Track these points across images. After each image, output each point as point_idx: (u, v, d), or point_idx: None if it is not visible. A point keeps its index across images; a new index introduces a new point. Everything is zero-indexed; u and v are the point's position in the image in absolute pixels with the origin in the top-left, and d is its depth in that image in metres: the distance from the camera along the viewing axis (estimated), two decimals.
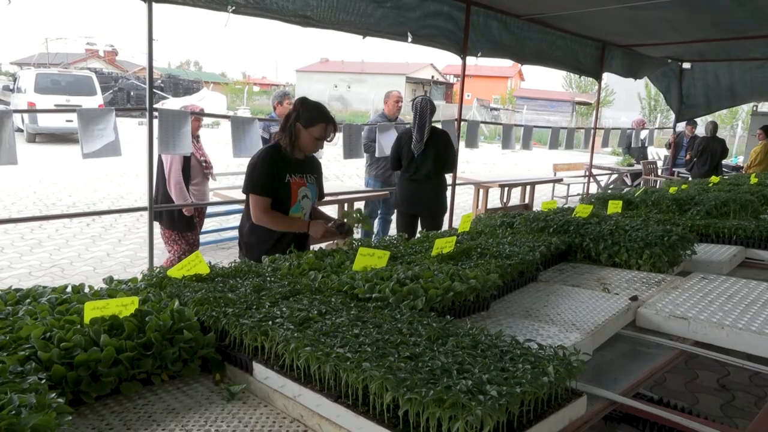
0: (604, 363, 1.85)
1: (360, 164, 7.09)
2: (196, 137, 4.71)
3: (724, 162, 10.62)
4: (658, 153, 13.94)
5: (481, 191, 7.52)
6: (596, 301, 2.15)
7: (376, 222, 6.55)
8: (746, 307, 2.12)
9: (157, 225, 4.62)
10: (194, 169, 4.69)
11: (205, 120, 13.25)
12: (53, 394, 1.21)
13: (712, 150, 9.44)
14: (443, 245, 2.45)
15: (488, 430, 1.09)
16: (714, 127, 9.67)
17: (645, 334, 2.07)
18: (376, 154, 5.63)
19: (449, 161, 4.89)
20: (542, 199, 7.70)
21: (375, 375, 1.21)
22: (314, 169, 3.20)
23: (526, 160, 19.37)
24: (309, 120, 2.97)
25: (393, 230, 6.10)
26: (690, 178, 8.56)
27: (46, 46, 36.96)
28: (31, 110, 15.55)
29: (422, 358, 1.35)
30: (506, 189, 7.75)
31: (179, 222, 4.63)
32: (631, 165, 10.85)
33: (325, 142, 3.10)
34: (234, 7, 3.88)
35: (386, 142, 5.39)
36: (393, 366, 1.27)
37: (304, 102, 3.04)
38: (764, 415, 1.68)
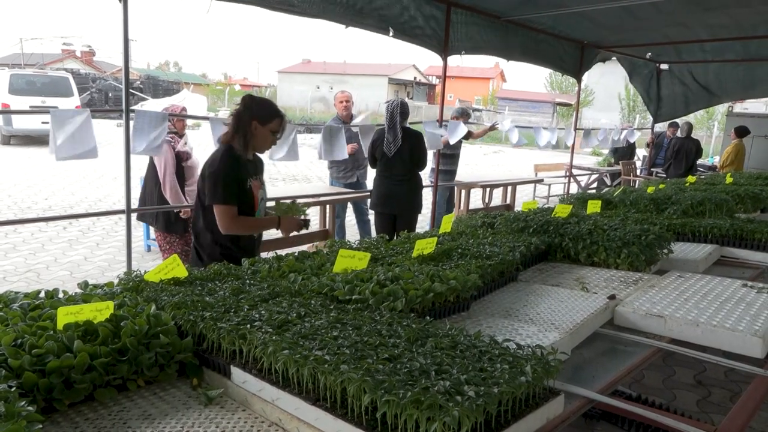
0: (582, 361, 1.87)
1: None
2: (182, 137, 4.66)
3: (699, 162, 10.82)
4: (637, 153, 14.15)
5: (463, 192, 7.54)
6: (575, 300, 2.17)
7: (355, 225, 6.55)
8: (721, 305, 2.16)
9: (152, 230, 4.57)
10: (189, 170, 4.65)
11: (188, 122, 13.10)
12: (23, 402, 1.18)
13: (687, 150, 9.62)
14: (424, 246, 2.46)
15: (465, 430, 1.09)
16: (689, 127, 9.85)
17: (623, 332, 2.09)
18: (323, 158, 5.55)
19: (421, 160, 4.96)
20: (524, 199, 7.77)
21: (353, 377, 1.21)
22: (262, 169, 3.13)
23: (508, 160, 19.52)
24: (266, 116, 2.88)
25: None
26: (667, 179, 8.71)
27: (20, 46, 36.24)
28: (6, 111, 15.21)
29: (401, 360, 1.34)
30: (488, 189, 7.80)
31: (176, 225, 4.57)
32: (610, 165, 11.01)
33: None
34: None
35: (334, 145, 5.34)
36: (371, 368, 1.27)
37: (254, 99, 2.95)
38: (738, 410, 1.71)
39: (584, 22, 6.39)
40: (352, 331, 1.53)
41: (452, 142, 6.60)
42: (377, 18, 5.06)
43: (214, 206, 2.84)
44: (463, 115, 6.90)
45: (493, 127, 7.84)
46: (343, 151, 5.43)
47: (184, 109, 4.68)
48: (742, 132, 9.57)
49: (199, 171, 4.74)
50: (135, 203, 4.64)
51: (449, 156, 6.86)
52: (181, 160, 4.57)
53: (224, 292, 1.91)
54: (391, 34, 5.19)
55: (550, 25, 6.68)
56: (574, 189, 10.51)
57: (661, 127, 11.41)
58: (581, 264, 2.78)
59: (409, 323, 1.62)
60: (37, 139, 16.02)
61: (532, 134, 7.97)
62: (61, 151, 3.48)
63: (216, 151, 2.95)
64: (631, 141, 9.97)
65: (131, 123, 3.90)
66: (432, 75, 51.51)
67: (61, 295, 1.87)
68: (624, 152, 11.24)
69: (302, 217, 3.06)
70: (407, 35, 5.44)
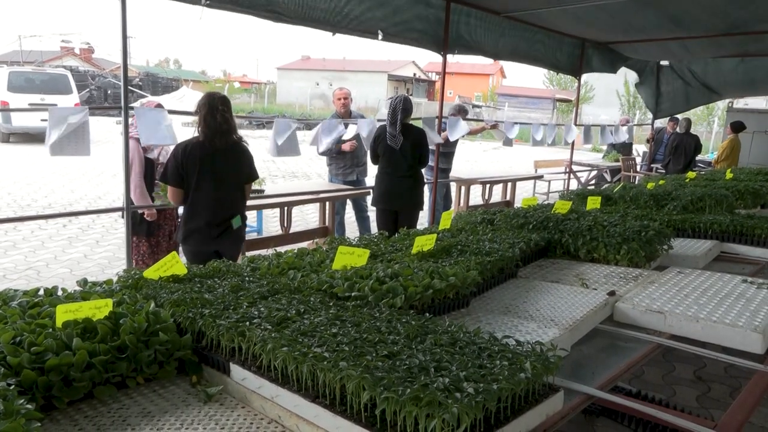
0: (582, 357, 1.87)
1: None
2: None
3: (699, 158, 10.80)
4: (637, 149, 14.14)
5: (463, 188, 7.54)
6: (575, 297, 2.17)
7: (354, 222, 6.55)
8: (720, 301, 2.16)
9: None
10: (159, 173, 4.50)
11: (185, 119, 13.07)
12: (22, 400, 1.18)
13: (686, 146, 9.59)
14: (423, 243, 2.45)
15: (465, 427, 1.09)
16: (688, 123, 9.82)
17: (622, 328, 2.09)
18: (311, 145, 5.52)
19: (423, 157, 4.96)
20: (523, 195, 7.76)
21: (352, 374, 1.21)
22: None
23: (507, 157, 19.50)
24: None
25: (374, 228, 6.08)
26: (666, 175, 8.69)
27: (19, 43, 36.16)
28: (5, 109, 15.19)
29: (400, 357, 1.34)
30: (487, 186, 7.78)
31: (140, 226, 4.39)
32: (617, 160, 10.98)
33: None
34: (208, 1, 3.85)
35: (328, 137, 5.32)
36: (370, 365, 1.26)
37: (223, 96, 3.43)
38: (738, 406, 1.71)
39: (584, 18, 6.36)
40: (351, 328, 1.52)
41: (452, 139, 6.60)
42: (367, 22, 5.02)
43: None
44: (461, 111, 6.89)
45: (495, 126, 7.84)
46: (332, 144, 5.38)
47: (159, 105, 4.53)
48: (737, 127, 9.55)
49: None
50: None
51: (445, 154, 6.87)
52: (152, 165, 4.39)
53: (223, 289, 1.91)
54: (380, 37, 5.14)
55: (550, 21, 6.65)
56: (574, 185, 10.50)
57: (662, 123, 11.38)
58: (581, 260, 2.78)
59: (408, 320, 1.62)
60: (37, 137, 15.97)
61: (528, 130, 7.97)
62: (54, 146, 3.47)
63: (244, 147, 3.52)
64: (628, 138, 9.95)
65: (134, 120, 3.88)
66: (431, 71, 51.38)
67: (60, 293, 1.87)
68: (620, 148, 11.24)
69: None
70: (399, 37, 5.39)
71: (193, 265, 2.24)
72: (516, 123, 7.60)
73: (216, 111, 3.29)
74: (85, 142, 3.62)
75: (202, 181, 3.34)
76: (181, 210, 3.77)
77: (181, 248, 3.62)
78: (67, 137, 3.48)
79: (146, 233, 4.46)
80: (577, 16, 6.25)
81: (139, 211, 4.35)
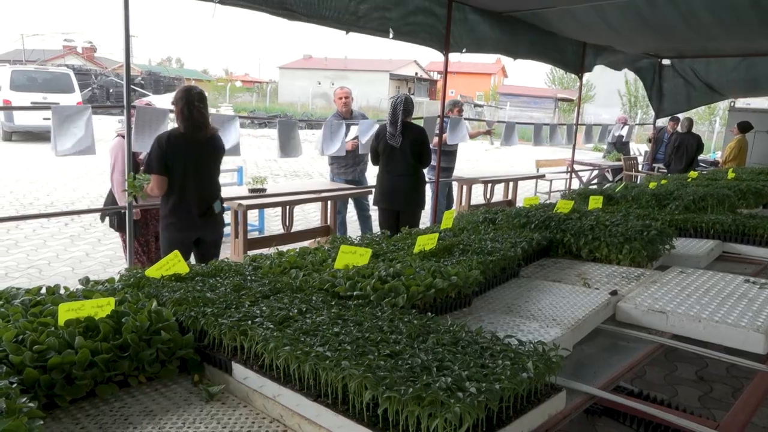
0: (584, 357, 1.87)
1: None
2: None
3: (701, 157, 10.76)
4: (638, 149, 14.12)
5: (465, 188, 7.53)
6: (577, 296, 2.17)
7: (356, 221, 6.55)
8: (723, 300, 2.16)
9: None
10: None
11: None
12: (25, 399, 1.18)
13: (688, 145, 9.57)
14: (425, 242, 2.45)
15: (467, 427, 1.09)
16: (689, 123, 9.80)
17: (625, 328, 2.09)
18: (323, 153, 5.59)
19: (424, 156, 4.94)
20: (525, 195, 7.76)
21: (354, 374, 1.20)
22: None
23: (509, 156, 19.49)
24: None
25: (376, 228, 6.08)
26: (668, 174, 8.67)
27: (22, 42, 36.23)
28: (7, 108, 15.20)
29: (402, 356, 1.34)
30: (489, 185, 7.78)
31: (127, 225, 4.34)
32: (619, 160, 10.97)
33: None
34: None
35: (334, 141, 5.34)
36: (372, 364, 1.26)
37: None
38: (740, 406, 1.71)
39: (583, 18, 6.34)
40: (353, 327, 1.52)
41: (450, 142, 6.61)
42: (378, 21, 5.05)
43: None
44: (456, 105, 6.86)
45: (489, 131, 7.94)
46: (343, 147, 5.43)
47: (149, 103, 4.49)
48: (744, 127, 9.52)
49: None
50: None
51: (447, 153, 6.87)
52: (137, 164, 4.40)
53: (225, 288, 1.91)
54: (391, 36, 5.17)
55: (549, 22, 6.64)
56: (575, 184, 10.48)
57: (663, 122, 11.37)
58: (583, 260, 2.77)
59: (410, 319, 1.62)
60: (39, 135, 16.01)
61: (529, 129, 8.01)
62: (61, 146, 3.48)
63: (219, 139, 3.72)
64: (622, 135, 9.97)
65: (132, 120, 3.88)
66: (433, 71, 51.28)
67: (62, 291, 1.87)
68: (620, 147, 11.23)
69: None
70: (409, 36, 5.42)
71: (194, 264, 2.24)
72: (516, 123, 7.61)
73: (193, 107, 3.44)
74: (90, 141, 3.63)
75: (188, 171, 3.48)
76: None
77: (162, 238, 3.64)
78: (71, 137, 3.48)
79: (134, 233, 4.43)
80: (575, 16, 6.24)
81: (123, 211, 4.31)
